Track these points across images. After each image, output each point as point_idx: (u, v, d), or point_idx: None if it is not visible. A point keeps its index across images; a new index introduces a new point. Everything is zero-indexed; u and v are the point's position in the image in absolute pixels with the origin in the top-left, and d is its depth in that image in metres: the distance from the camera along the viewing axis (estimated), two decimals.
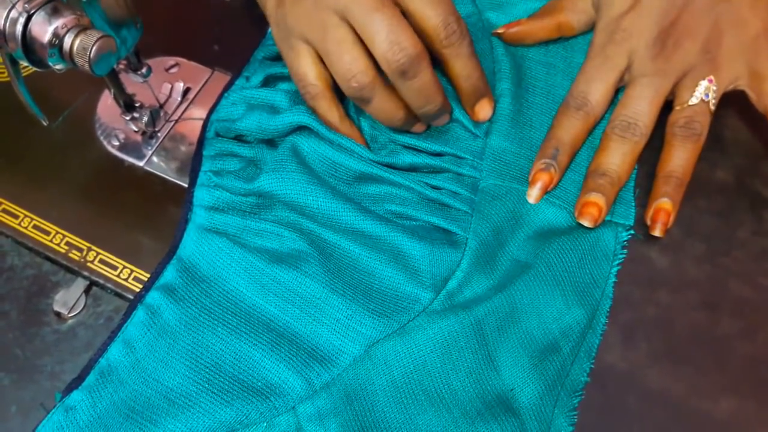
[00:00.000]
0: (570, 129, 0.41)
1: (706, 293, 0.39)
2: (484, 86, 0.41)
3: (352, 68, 0.36)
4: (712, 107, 0.41)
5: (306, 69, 0.39)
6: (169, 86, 0.45)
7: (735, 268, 0.40)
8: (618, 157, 0.40)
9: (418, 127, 0.42)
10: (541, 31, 0.45)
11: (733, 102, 0.46)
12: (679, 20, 0.41)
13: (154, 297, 0.38)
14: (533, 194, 0.41)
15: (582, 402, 0.36)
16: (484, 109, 0.42)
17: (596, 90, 0.41)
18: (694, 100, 0.41)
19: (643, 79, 0.41)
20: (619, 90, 0.43)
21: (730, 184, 0.43)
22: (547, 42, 0.46)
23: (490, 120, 0.43)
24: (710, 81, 0.41)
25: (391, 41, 0.35)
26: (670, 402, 0.36)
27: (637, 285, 0.39)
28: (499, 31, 0.46)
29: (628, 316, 0.39)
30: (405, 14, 0.37)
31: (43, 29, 0.30)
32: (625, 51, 0.41)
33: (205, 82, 0.46)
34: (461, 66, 0.39)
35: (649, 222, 0.40)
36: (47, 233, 0.40)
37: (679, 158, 0.40)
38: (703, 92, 0.41)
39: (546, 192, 0.41)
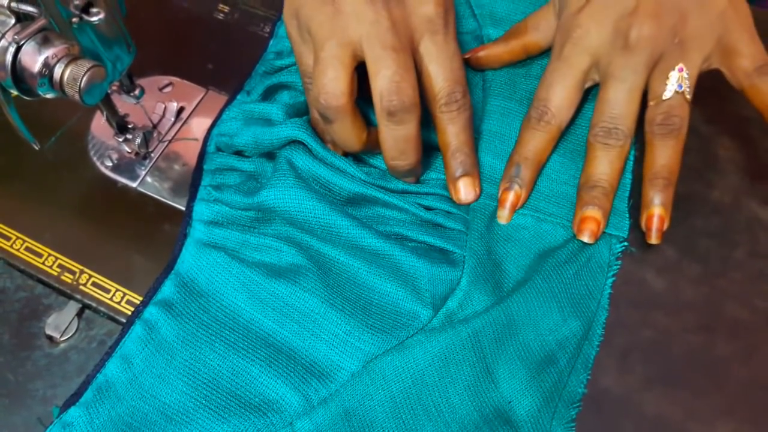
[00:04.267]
0: (531, 142, 0.41)
1: (703, 315, 0.39)
2: (471, 165, 0.40)
3: (327, 86, 0.36)
4: (688, 96, 0.39)
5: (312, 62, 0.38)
6: (163, 106, 0.45)
7: (731, 290, 0.40)
8: (606, 166, 0.40)
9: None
10: (507, 54, 0.45)
11: (728, 121, 0.46)
12: (638, 9, 0.39)
13: (151, 312, 0.38)
14: (503, 215, 0.41)
15: (578, 426, 0.36)
16: (465, 189, 0.41)
17: (555, 96, 0.40)
18: (667, 94, 0.39)
19: (613, 80, 0.40)
20: (591, 90, 0.42)
21: (726, 204, 0.43)
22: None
23: (479, 138, 0.43)
24: (680, 70, 0.39)
25: (392, 81, 0.35)
26: (666, 426, 0.36)
27: (632, 307, 0.39)
28: (467, 55, 0.45)
29: (623, 339, 0.38)
30: (418, 71, 0.37)
31: (33, 59, 0.29)
32: (584, 49, 0.40)
33: (199, 101, 0.46)
34: (452, 135, 0.39)
35: (644, 229, 0.40)
36: (39, 255, 0.40)
37: (663, 158, 0.39)
38: (676, 83, 0.39)
39: (515, 210, 0.41)
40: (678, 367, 0.38)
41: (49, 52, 0.29)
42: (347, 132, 0.38)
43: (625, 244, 0.40)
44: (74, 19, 0.32)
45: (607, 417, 0.36)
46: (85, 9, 0.32)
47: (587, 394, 0.37)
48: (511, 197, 0.40)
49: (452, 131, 0.39)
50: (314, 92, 0.37)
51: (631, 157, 0.42)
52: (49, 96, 0.31)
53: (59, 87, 0.30)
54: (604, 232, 0.40)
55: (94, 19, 0.32)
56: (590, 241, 0.39)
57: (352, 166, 0.41)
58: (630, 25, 0.39)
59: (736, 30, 0.40)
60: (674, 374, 0.38)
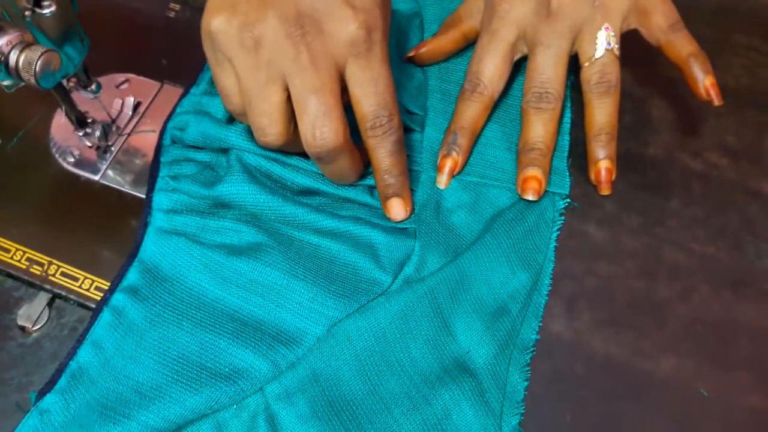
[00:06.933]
0: (466, 112, 0.43)
1: (643, 262, 0.42)
2: (399, 186, 0.41)
3: (266, 129, 0.37)
4: (617, 53, 0.42)
5: (233, 89, 0.38)
6: (120, 101, 0.46)
7: (669, 237, 0.43)
8: (540, 129, 0.42)
9: None
10: (450, 44, 0.47)
11: (659, 83, 0.49)
12: None
13: (118, 299, 0.39)
14: (441, 180, 0.43)
15: (533, 370, 0.38)
16: (394, 208, 0.41)
17: (486, 68, 0.43)
18: (599, 53, 0.42)
19: (540, 47, 0.42)
20: (521, 62, 0.45)
21: (660, 159, 0.45)
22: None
23: (425, 114, 0.45)
24: (607, 29, 0.42)
25: (315, 127, 0.36)
26: (614, 365, 0.38)
27: (577, 258, 0.42)
28: (410, 54, 0.47)
29: (570, 287, 0.41)
30: (348, 94, 0.38)
31: None
32: (511, 23, 0.43)
33: (155, 95, 0.47)
34: (379, 159, 0.39)
35: (594, 183, 0.43)
36: (7, 251, 0.41)
37: (602, 114, 0.42)
38: (605, 42, 0.42)
39: (453, 176, 0.43)
40: (622, 310, 0.40)
41: (3, 40, 0.31)
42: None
43: (568, 200, 0.43)
44: (26, 12, 0.33)
45: (559, 359, 0.39)
46: (37, 2, 0.34)
47: (539, 340, 0.39)
48: (449, 163, 0.43)
49: (380, 154, 0.39)
50: (254, 131, 0.37)
51: (568, 120, 0.45)
52: (6, 83, 0.33)
53: (15, 72, 0.32)
54: (547, 191, 0.43)
55: (46, 11, 0.34)
56: (534, 199, 0.42)
57: (303, 161, 0.42)
58: None
59: None
60: (619, 317, 0.40)
